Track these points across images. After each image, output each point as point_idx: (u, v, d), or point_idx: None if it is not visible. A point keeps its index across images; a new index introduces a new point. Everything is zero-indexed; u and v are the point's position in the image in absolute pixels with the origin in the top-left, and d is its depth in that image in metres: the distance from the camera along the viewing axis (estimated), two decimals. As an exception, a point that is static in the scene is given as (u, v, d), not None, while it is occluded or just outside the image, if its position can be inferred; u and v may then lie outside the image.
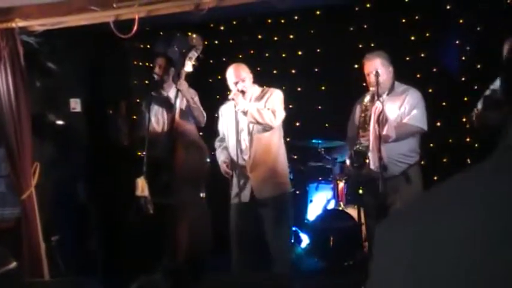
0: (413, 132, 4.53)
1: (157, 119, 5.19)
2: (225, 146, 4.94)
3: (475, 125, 4.33)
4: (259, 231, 4.76)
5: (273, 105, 4.72)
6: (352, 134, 4.73)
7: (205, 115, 5.08)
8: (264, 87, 4.90)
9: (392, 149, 4.39)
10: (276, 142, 4.82)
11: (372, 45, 5.63)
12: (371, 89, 4.51)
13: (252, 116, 4.63)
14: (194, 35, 4.79)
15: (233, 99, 4.68)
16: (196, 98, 5.10)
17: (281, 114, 4.75)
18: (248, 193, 4.74)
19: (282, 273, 4.64)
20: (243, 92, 4.72)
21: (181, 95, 4.84)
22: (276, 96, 4.80)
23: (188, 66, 4.81)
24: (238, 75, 4.77)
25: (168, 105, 5.04)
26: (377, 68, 4.45)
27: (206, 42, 4.87)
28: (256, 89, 4.88)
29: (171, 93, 5.14)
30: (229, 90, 4.82)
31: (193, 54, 4.81)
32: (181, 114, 4.92)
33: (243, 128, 4.77)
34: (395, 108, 4.49)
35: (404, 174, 4.52)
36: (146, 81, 6.07)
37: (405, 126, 4.47)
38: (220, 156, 4.91)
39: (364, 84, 4.69)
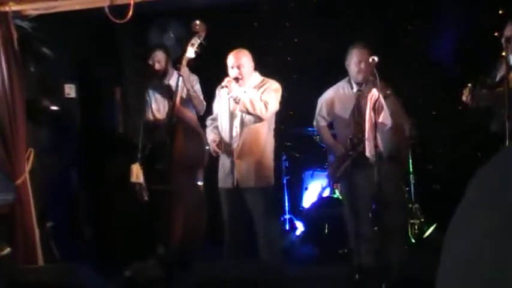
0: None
1: (157, 106, 5.17)
2: (216, 125, 4.92)
3: (469, 102, 4.46)
4: (244, 219, 4.77)
5: (267, 96, 4.70)
6: (325, 121, 4.98)
7: (204, 104, 5.06)
8: (264, 78, 4.87)
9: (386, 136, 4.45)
10: (265, 133, 4.80)
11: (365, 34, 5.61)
12: (363, 75, 4.65)
13: (243, 105, 4.62)
14: (197, 21, 4.75)
15: (226, 86, 4.65)
16: (198, 86, 5.07)
17: (274, 107, 4.73)
18: (232, 180, 4.73)
19: (272, 261, 4.65)
20: (236, 79, 4.69)
21: (182, 82, 4.80)
22: (273, 89, 4.78)
23: (190, 52, 4.77)
24: (236, 61, 4.74)
25: (169, 93, 5.01)
26: (365, 57, 4.59)
27: (209, 27, 4.80)
28: (257, 77, 4.85)
29: (172, 80, 5.12)
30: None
31: (196, 40, 4.77)
32: (182, 101, 4.90)
33: (237, 115, 4.76)
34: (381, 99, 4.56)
35: (390, 157, 4.60)
36: (142, 67, 6.01)
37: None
38: (210, 135, 4.90)
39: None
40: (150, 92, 5.20)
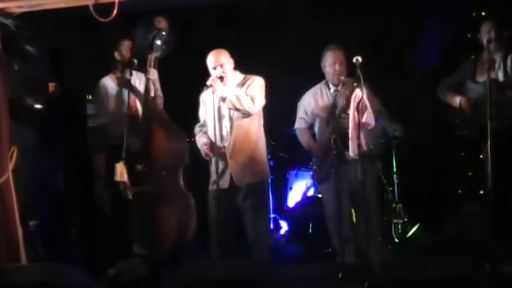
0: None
1: (134, 100, 5.16)
2: (205, 131, 4.94)
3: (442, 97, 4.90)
4: (238, 218, 4.78)
5: (253, 91, 4.72)
6: (305, 123, 5.16)
7: (163, 100, 5.09)
8: (246, 75, 4.89)
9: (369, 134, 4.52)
10: (255, 129, 4.83)
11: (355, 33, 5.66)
12: (340, 76, 4.82)
13: (230, 102, 4.63)
14: (159, 18, 4.79)
15: (211, 85, 4.67)
16: (158, 84, 5.08)
17: (260, 101, 4.76)
18: (227, 179, 4.74)
19: (261, 261, 4.66)
20: (221, 78, 4.71)
21: (151, 84, 4.84)
22: (257, 83, 4.80)
23: (156, 49, 4.81)
24: (217, 61, 4.76)
25: (138, 90, 5.03)
26: (341, 58, 4.81)
27: (188, 28, 4.82)
28: (238, 76, 4.87)
29: (138, 77, 5.13)
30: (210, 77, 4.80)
31: (160, 37, 4.80)
32: (152, 99, 4.92)
33: (225, 114, 4.77)
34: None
35: (368, 155, 4.75)
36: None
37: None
38: (201, 140, 4.90)
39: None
40: (125, 85, 5.19)
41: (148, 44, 4.90)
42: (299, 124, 5.13)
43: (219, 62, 4.75)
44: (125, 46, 5.25)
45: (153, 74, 4.83)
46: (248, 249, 4.79)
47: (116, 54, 5.27)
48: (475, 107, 4.69)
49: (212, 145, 4.82)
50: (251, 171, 4.75)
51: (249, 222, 4.77)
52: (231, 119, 4.75)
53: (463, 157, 5.86)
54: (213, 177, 4.82)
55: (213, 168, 4.84)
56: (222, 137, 4.75)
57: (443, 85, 5.00)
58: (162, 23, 4.80)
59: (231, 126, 4.75)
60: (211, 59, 4.79)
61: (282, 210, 6.67)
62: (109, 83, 5.27)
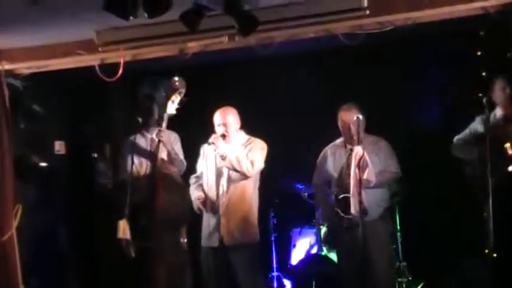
0: (391, 178, 4.79)
1: (140, 161, 5.16)
2: (200, 183, 4.95)
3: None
4: (227, 277, 4.74)
5: (253, 155, 4.77)
6: (323, 179, 4.96)
7: (185, 164, 5.07)
8: (250, 137, 4.94)
9: (373, 194, 4.49)
10: (250, 191, 4.84)
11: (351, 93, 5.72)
12: (354, 137, 4.67)
13: (229, 162, 4.67)
14: (176, 78, 4.81)
15: (213, 142, 4.71)
16: (178, 145, 5.09)
17: (259, 165, 4.79)
18: (217, 238, 4.74)
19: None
20: (223, 136, 4.76)
21: (162, 145, 4.83)
22: (259, 147, 4.85)
23: (171, 109, 4.82)
24: (223, 118, 4.81)
25: (151, 150, 5.02)
26: (353, 118, 4.67)
27: (194, 86, 4.88)
28: (242, 136, 4.92)
29: (154, 135, 5.14)
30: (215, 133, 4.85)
31: (176, 96, 4.83)
32: (163, 161, 4.92)
33: (224, 173, 4.79)
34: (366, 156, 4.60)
35: (382, 217, 4.62)
36: (131, 125, 6.08)
37: (385, 173, 4.68)
38: (195, 193, 4.91)
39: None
40: (135, 148, 5.18)
41: (163, 103, 4.90)
42: (316, 180, 5.10)
43: (224, 120, 4.81)
44: (143, 106, 5.23)
45: (164, 136, 4.80)
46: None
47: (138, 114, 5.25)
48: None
49: (206, 200, 4.83)
50: (241, 232, 4.74)
51: (241, 283, 4.74)
52: (229, 177, 4.78)
53: (467, 214, 5.82)
54: (205, 232, 4.82)
55: (205, 223, 4.84)
56: (217, 194, 4.77)
57: (460, 140, 4.90)
58: (179, 82, 4.84)
59: (228, 185, 4.78)
60: (217, 116, 4.85)
61: (285, 269, 6.61)
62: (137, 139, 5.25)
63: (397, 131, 5.76)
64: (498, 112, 4.73)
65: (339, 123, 4.85)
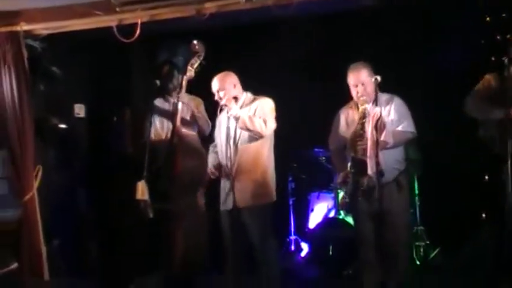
0: (408, 139, 4.65)
1: (161, 125, 5.18)
2: (216, 150, 4.97)
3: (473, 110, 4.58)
4: (243, 240, 4.77)
5: (263, 114, 4.75)
6: (338, 143, 4.82)
7: (210, 124, 5.07)
8: (255, 96, 4.92)
9: (388, 155, 4.43)
10: (265, 152, 4.82)
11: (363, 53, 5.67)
12: (362, 98, 4.57)
13: (243, 123, 4.65)
14: (195, 41, 4.78)
15: (226, 105, 4.71)
16: (202, 106, 5.10)
17: (272, 124, 4.77)
18: (231, 201, 4.76)
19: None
20: (235, 98, 4.76)
21: (182, 106, 4.84)
22: (266, 105, 4.81)
23: (190, 72, 4.82)
24: (219, 85, 4.79)
25: (171, 113, 5.04)
26: (362, 79, 4.57)
27: (211, 48, 4.86)
28: (249, 97, 4.91)
29: (176, 98, 5.15)
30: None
31: (196, 60, 4.81)
32: (184, 122, 4.93)
33: (231, 136, 4.79)
34: (384, 117, 4.53)
35: (396, 180, 4.58)
36: (151, 88, 6.10)
37: (400, 133, 4.55)
38: (210, 159, 4.94)
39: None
40: (155, 110, 5.21)
41: (182, 67, 4.88)
42: (332, 145, 4.96)
43: (219, 86, 4.79)
44: (163, 71, 5.23)
45: (184, 97, 4.81)
46: (254, 272, 4.77)
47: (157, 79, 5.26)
48: None
49: (220, 165, 4.86)
50: (254, 194, 4.74)
51: (255, 245, 4.77)
52: (236, 141, 4.78)
53: (486, 180, 5.77)
54: (222, 197, 4.86)
55: (222, 187, 4.87)
56: (230, 159, 4.77)
57: (474, 97, 4.66)
58: (198, 46, 4.82)
59: (236, 149, 4.78)
60: (214, 83, 4.84)
61: (303, 232, 6.65)
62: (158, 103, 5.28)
63: (415, 92, 5.70)
64: None
65: (349, 84, 4.67)
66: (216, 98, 4.80)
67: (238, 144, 4.75)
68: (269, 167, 4.85)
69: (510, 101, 4.49)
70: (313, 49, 6.29)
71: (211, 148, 5.07)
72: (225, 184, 4.83)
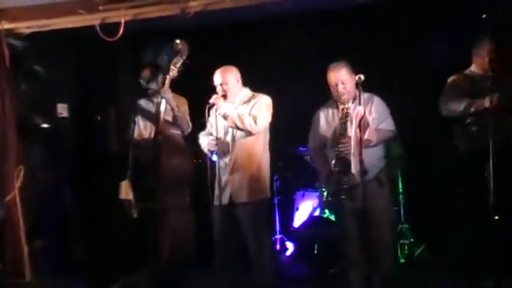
0: (388, 137, 4.69)
1: (145, 124, 5.17)
2: (210, 132, 4.94)
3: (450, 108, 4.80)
4: (237, 235, 4.76)
5: (258, 111, 4.74)
6: (318, 142, 4.83)
7: (190, 124, 5.05)
8: (254, 93, 4.91)
9: (369, 153, 4.44)
10: (259, 148, 4.83)
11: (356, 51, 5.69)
12: (343, 97, 4.58)
13: (232, 121, 4.66)
14: (178, 41, 4.77)
15: (214, 103, 4.70)
16: (185, 107, 5.09)
17: (264, 120, 4.75)
18: (227, 196, 4.76)
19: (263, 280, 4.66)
20: (224, 96, 4.74)
21: (165, 103, 4.83)
22: (263, 102, 4.82)
23: (173, 72, 4.81)
24: (221, 79, 4.79)
25: (154, 112, 5.02)
26: (342, 77, 4.58)
27: (197, 47, 4.85)
28: (247, 93, 4.90)
29: (159, 98, 5.13)
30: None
31: (178, 59, 4.80)
32: (167, 121, 4.92)
33: (228, 131, 4.80)
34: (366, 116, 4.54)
35: (377, 177, 4.60)
36: (134, 87, 6.08)
37: (381, 131, 4.58)
38: (205, 139, 4.90)
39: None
40: (139, 110, 5.20)
41: (165, 66, 4.88)
42: (311, 144, 4.97)
43: (223, 80, 4.79)
44: (146, 71, 5.22)
45: (167, 92, 4.81)
46: (247, 267, 4.77)
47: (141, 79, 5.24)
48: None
49: (218, 143, 4.80)
50: (250, 190, 4.75)
51: (249, 241, 4.76)
52: (233, 136, 4.79)
53: (470, 178, 5.80)
54: (216, 192, 4.84)
55: (216, 182, 4.85)
56: (224, 153, 4.78)
57: (448, 96, 4.88)
58: (181, 45, 4.80)
59: (233, 144, 4.78)
60: (217, 76, 4.83)
61: (288, 231, 6.65)
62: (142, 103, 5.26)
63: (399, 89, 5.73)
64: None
65: (329, 82, 4.67)
66: (218, 90, 4.78)
67: (236, 141, 4.76)
68: (264, 163, 4.86)
69: (478, 93, 4.63)
70: (298, 47, 6.30)
71: (202, 133, 5.02)
72: (220, 179, 4.81)
